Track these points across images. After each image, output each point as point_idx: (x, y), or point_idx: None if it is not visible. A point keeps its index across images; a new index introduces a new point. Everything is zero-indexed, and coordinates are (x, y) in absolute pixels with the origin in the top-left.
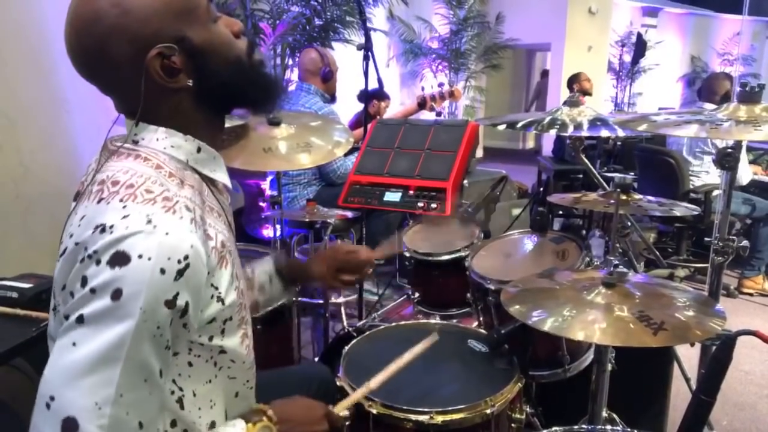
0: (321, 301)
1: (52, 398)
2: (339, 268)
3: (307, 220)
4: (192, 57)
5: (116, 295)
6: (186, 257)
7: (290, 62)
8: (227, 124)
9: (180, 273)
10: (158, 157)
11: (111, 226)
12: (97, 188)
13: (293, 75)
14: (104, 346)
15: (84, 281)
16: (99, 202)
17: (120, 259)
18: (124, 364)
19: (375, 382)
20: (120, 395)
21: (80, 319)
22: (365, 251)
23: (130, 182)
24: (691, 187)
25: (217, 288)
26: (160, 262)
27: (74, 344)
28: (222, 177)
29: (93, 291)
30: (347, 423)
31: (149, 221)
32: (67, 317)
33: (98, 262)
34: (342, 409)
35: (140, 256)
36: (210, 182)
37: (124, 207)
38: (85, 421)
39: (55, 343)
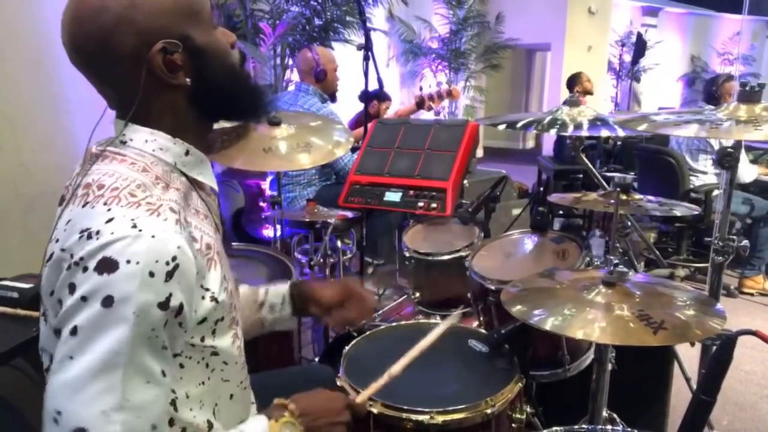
0: None
1: (58, 413)
2: (346, 302)
3: (307, 220)
4: (193, 57)
5: (107, 302)
6: (174, 258)
7: (290, 62)
8: (228, 124)
9: (169, 274)
10: (145, 159)
11: (97, 232)
12: (82, 192)
13: (293, 75)
14: (102, 354)
15: (72, 288)
16: (84, 206)
17: (108, 265)
18: (124, 370)
19: (396, 368)
20: (126, 400)
21: (74, 331)
22: (372, 299)
23: (115, 185)
24: (692, 186)
25: (208, 289)
26: (148, 266)
27: (71, 357)
28: (208, 180)
29: (84, 299)
30: None
31: (134, 225)
32: (58, 331)
33: (85, 269)
34: (364, 398)
35: (128, 262)
36: (197, 185)
37: (109, 210)
38: (96, 430)
39: (50, 356)
